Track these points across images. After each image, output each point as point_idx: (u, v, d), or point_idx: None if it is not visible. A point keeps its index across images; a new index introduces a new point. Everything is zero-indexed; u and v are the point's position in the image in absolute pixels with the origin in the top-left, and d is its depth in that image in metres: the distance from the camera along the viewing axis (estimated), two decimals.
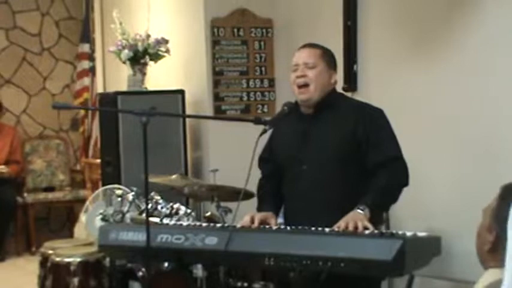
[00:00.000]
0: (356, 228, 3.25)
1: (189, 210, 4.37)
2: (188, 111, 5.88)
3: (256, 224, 3.51)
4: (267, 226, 3.52)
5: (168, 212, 4.35)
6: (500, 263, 2.19)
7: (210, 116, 5.73)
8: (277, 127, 3.67)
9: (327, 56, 3.66)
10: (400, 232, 3.23)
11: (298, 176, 3.61)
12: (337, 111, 3.61)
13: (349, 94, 4.91)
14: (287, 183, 3.70)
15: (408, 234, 3.16)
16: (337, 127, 3.57)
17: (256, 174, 3.79)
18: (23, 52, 8.55)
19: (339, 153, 3.54)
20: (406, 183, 3.56)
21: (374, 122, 3.57)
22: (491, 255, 2.21)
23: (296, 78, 3.59)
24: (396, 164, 3.53)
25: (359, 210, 3.35)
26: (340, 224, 3.29)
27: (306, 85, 3.56)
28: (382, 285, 3.74)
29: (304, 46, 3.70)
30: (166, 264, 4.16)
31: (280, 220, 3.74)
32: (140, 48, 5.88)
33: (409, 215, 4.50)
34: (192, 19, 6.05)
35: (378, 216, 3.66)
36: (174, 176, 4.72)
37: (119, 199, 4.68)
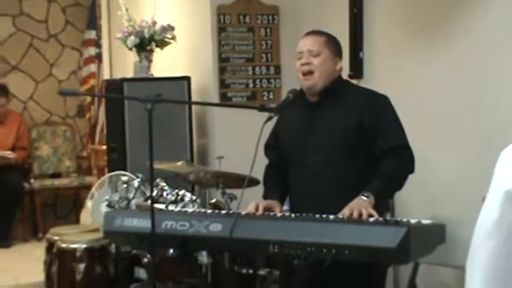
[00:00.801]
0: (361, 215, 3.25)
1: (194, 197, 4.37)
2: (194, 98, 5.88)
3: (260, 211, 3.51)
4: (272, 213, 3.53)
5: (173, 198, 4.35)
6: None
7: (215, 103, 5.73)
8: (282, 114, 3.66)
9: (332, 43, 3.65)
10: (404, 220, 3.23)
11: (304, 163, 3.60)
12: (343, 98, 3.60)
13: (355, 81, 4.89)
14: (293, 170, 3.70)
15: (413, 221, 3.16)
16: (343, 115, 3.56)
17: (261, 161, 3.79)
18: (30, 38, 8.56)
19: (344, 141, 3.53)
20: (411, 171, 3.56)
21: (380, 109, 3.57)
22: None
23: (301, 65, 3.58)
24: (402, 151, 3.53)
25: (363, 197, 3.36)
26: (345, 212, 3.30)
27: (310, 72, 3.55)
28: (387, 273, 3.75)
29: (309, 33, 3.69)
30: (171, 251, 4.17)
31: (286, 207, 3.74)
32: (146, 35, 5.87)
33: (414, 203, 4.49)
34: (198, 6, 6.04)
35: (384, 204, 3.66)
36: (179, 163, 4.73)
37: (125, 185, 4.69)
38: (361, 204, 3.32)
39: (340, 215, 3.29)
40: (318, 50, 3.57)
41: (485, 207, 1.80)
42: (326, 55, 3.58)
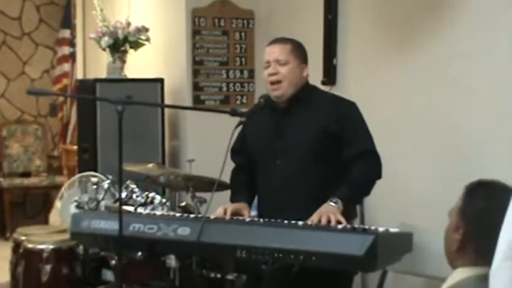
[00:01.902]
0: (329, 222, 3.25)
1: (164, 200, 4.35)
2: (167, 100, 5.86)
3: (228, 215, 3.50)
4: (240, 218, 3.52)
5: (143, 200, 4.33)
6: (468, 262, 2.21)
7: (186, 107, 5.72)
8: (250, 120, 3.66)
9: (298, 50, 3.64)
10: (372, 227, 3.24)
11: (272, 170, 3.60)
12: (310, 105, 3.60)
13: (328, 88, 4.90)
14: (261, 177, 3.70)
15: (380, 229, 3.17)
16: (311, 121, 3.56)
17: (232, 165, 3.79)
18: (3, 36, 8.50)
19: (312, 147, 3.53)
20: (379, 177, 3.58)
21: (347, 115, 3.58)
22: (459, 254, 2.23)
23: (268, 75, 3.57)
24: (370, 157, 3.55)
25: (332, 203, 3.36)
26: (314, 218, 3.30)
27: (278, 82, 3.55)
28: (355, 281, 3.75)
29: (275, 41, 3.67)
30: (139, 254, 4.15)
31: (254, 213, 3.73)
32: (120, 35, 5.85)
33: (383, 210, 4.51)
34: (173, 8, 6.02)
35: (351, 210, 3.67)
36: (150, 165, 4.71)
37: (94, 187, 4.66)
38: (330, 210, 3.32)
39: (309, 221, 3.29)
40: (285, 58, 3.56)
41: (504, 228, 1.79)
42: (293, 63, 3.57)
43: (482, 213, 2.20)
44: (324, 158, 3.54)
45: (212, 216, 3.50)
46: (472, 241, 2.19)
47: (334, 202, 3.37)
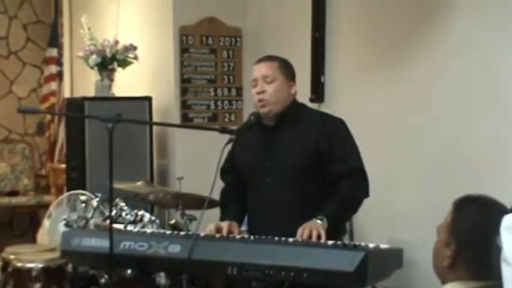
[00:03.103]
0: (310, 236, 3.27)
1: (153, 218, 4.36)
2: (155, 119, 5.87)
3: (225, 232, 3.50)
4: (231, 235, 3.52)
5: (132, 218, 4.33)
6: (460, 276, 2.22)
7: (176, 124, 5.72)
8: (239, 139, 3.68)
9: (285, 67, 3.65)
10: (362, 244, 3.25)
11: (262, 187, 3.62)
12: (299, 122, 3.62)
13: (316, 105, 4.93)
14: (251, 194, 3.71)
15: (371, 245, 3.18)
16: (299, 139, 3.57)
17: (221, 183, 3.80)
18: None
19: (301, 165, 3.55)
20: (366, 195, 3.59)
21: (336, 133, 3.59)
22: (451, 269, 2.24)
23: (256, 94, 3.59)
24: (357, 175, 3.56)
25: (318, 220, 3.38)
26: (298, 231, 3.31)
27: (265, 99, 3.56)
28: None
29: (262, 59, 3.69)
30: (129, 272, 4.14)
31: (244, 227, 3.74)
32: (108, 54, 5.85)
33: (373, 227, 4.53)
34: (161, 26, 6.04)
35: (341, 226, 3.68)
36: (139, 183, 4.71)
37: (83, 205, 4.66)
38: (313, 225, 3.34)
39: (297, 237, 3.31)
40: (272, 76, 3.57)
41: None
42: (280, 81, 3.59)
43: (473, 228, 2.21)
44: (313, 175, 3.55)
45: (202, 234, 3.50)
46: (464, 256, 2.20)
47: (319, 219, 3.39)
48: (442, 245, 2.27)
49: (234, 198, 3.77)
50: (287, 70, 3.65)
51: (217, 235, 3.48)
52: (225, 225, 3.55)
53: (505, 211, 2.23)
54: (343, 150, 3.58)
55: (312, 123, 3.62)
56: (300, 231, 3.32)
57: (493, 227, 2.15)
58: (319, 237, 3.28)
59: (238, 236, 3.50)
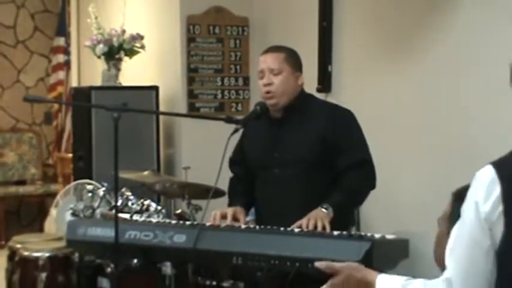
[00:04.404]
0: (315, 227, 3.26)
1: (159, 207, 4.35)
2: (162, 108, 5.87)
3: (229, 219, 3.49)
4: (236, 225, 3.52)
5: (138, 208, 4.33)
6: None
7: (183, 114, 5.72)
8: (247, 130, 3.67)
9: (292, 58, 3.63)
10: (368, 234, 3.25)
11: (270, 178, 3.61)
12: (306, 114, 3.61)
13: (323, 95, 4.92)
14: (259, 185, 3.70)
15: (376, 236, 3.18)
16: (307, 130, 3.56)
17: (227, 172, 3.79)
18: None
19: (309, 156, 3.54)
20: (373, 187, 3.58)
21: (344, 124, 3.58)
22: None
23: (263, 85, 3.58)
24: (365, 167, 3.55)
25: (323, 209, 3.37)
26: (302, 221, 3.31)
27: (272, 91, 3.55)
28: None
29: (268, 50, 3.66)
30: (135, 261, 4.14)
31: (250, 217, 3.73)
32: (115, 43, 5.85)
33: (379, 218, 4.52)
34: (168, 16, 6.03)
35: (349, 218, 3.68)
36: (145, 172, 4.71)
37: (90, 194, 4.66)
38: (318, 215, 3.33)
39: (297, 224, 3.30)
40: (279, 68, 3.55)
41: None
42: (287, 72, 3.57)
43: None
44: (321, 166, 3.54)
45: (208, 223, 3.50)
46: None
47: (325, 208, 3.38)
48: (445, 236, 2.25)
49: (242, 187, 3.77)
50: (294, 61, 3.63)
51: (223, 225, 3.48)
52: (230, 211, 3.56)
53: None
54: (351, 142, 3.57)
55: (320, 114, 3.61)
56: (304, 221, 3.31)
57: None
58: (323, 228, 3.28)
59: (243, 226, 3.51)
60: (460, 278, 1.93)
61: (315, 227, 3.28)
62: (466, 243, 1.92)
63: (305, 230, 3.30)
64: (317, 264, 2.35)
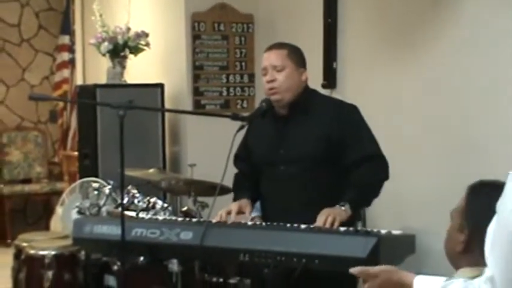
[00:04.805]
0: (332, 224, 3.26)
1: (165, 205, 4.36)
2: (167, 105, 5.87)
3: (233, 216, 3.49)
4: (243, 222, 3.51)
5: (144, 206, 4.33)
6: (473, 262, 2.21)
7: (188, 111, 5.72)
8: (252, 127, 3.66)
9: (295, 54, 3.62)
10: (375, 230, 3.24)
11: (276, 175, 3.60)
12: (312, 110, 3.60)
13: (328, 91, 4.91)
14: (265, 182, 3.69)
15: (383, 232, 3.17)
16: (312, 127, 3.55)
17: (233, 169, 3.79)
18: (2, 43, 8.50)
19: (315, 153, 3.53)
20: (386, 178, 3.57)
21: (350, 119, 3.57)
22: (464, 255, 2.23)
23: (266, 82, 3.57)
24: (376, 160, 3.55)
25: (341, 207, 3.37)
26: (320, 218, 3.30)
27: (276, 88, 3.54)
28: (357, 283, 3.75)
29: (271, 47, 3.66)
30: (141, 259, 4.14)
31: (255, 213, 3.73)
32: (120, 41, 5.85)
33: (385, 214, 4.51)
34: (173, 13, 6.03)
35: (356, 213, 3.67)
36: (151, 170, 4.71)
37: (96, 192, 4.67)
38: (336, 212, 3.33)
39: (317, 221, 3.30)
40: (282, 64, 3.54)
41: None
42: (290, 68, 3.56)
43: (487, 213, 2.19)
44: (327, 163, 3.53)
45: (214, 220, 3.50)
46: (477, 241, 2.19)
47: (342, 206, 3.38)
48: (456, 230, 2.26)
49: (247, 183, 3.77)
50: (297, 57, 3.62)
51: (230, 221, 3.48)
52: (234, 206, 3.55)
53: None
54: (359, 137, 3.56)
55: (325, 110, 3.60)
56: (322, 218, 3.31)
57: None
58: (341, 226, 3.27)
59: (250, 223, 3.50)
60: (502, 275, 1.89)
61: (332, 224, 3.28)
62: (507, 240, 1.87)
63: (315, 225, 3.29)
64: (351, 270, 2.34)
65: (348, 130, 3.53)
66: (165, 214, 4.24)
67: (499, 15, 3.86)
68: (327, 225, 3.27)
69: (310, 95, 3.67)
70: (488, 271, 1.94)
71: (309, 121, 3.57)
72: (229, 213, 3.52)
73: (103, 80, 6.17)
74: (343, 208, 3.37)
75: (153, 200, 4.37)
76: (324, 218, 3.30)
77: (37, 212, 8.55)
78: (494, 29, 3.89)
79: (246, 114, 3.90)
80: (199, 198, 4.46)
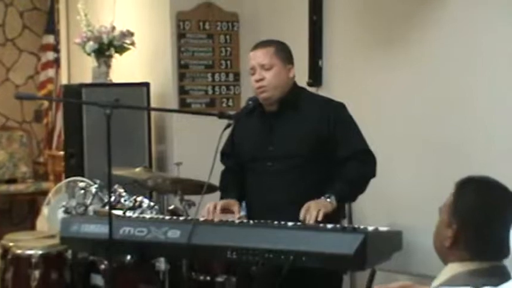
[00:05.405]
0: (317, 219, 3.28)
1: (152, 203, 4.36)
2: (153, 104, 5.86)
3: (218, 209, 3.50)
4: (230, 219, 3.52)
5: (131, 204, 4.33)
6: (461, 257, 2.22)
7: (174, 110, 5.72)
8: (239, 124, 3.67)
9: (282, 51, 3.63)
10: (361, 227, 3.26)
11: (263, 172, 3.61)
12: (300, 107, 3.61)
13: (314, 89, 4.92)
14: (251, 178, 3.70)
15: (370, 228, 3.18)
16: (301, 124, 3.57)
17: (220, 167, 3.80)
18: None
19: (303, 150, 3.55)
20: (373, 175, 3.60)
21: (338, 117, 3.59)
22: (452, 250, 2.25)
23: (255, 81, 3.58)
24: (365, 156, 3.57)
25: (326, 199, 3.38)
26: (303, 209, 3.33)
27: (265, 86, 3.55)
28: (344, 280, 3.77)
29: (258, 46, 3.66)
30: (128, 257, 4.14)
31: (243, 213, 3.74)
32: (105, 40, 5.83)
33: (372, 210, 4.53)
34: (158, 12, 6.02)
35: (341, 210, 3.69)
36: (138, 169, 4.70)
37: (82, 191, 4.66)
38: (321, 204, 3.34)
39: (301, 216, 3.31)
40: (269, 62, 3.55)
41: None
42: (278, 66, 3.57)
43: (475, 209, 2.22)
44: (315, 160, 3.55)
45: (201, 218, 3.50)
46: (465, 237, 2.21)
47: (327, 197, 3.39)
48: (444, 226, 2.27)
49: (234, 180, 3.77)
50: (284, 54, 3.63)
51: (217, 212, 3.48)
52: (220, 203, 3.56)
53: (506, 192, 2.24)
54: (347, 133, 3.58)
55: (314, 108, 3.62)
56: (302, 210, 3.33)
57: (494, 208, 2.16)
58: (317, 219, 3.28)
59: (237, 221, 3.51)
60: None
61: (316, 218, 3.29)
62: None
63: (307, 220, 3.30)
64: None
65: (337, 127, 3.55)
66: (151, 213, 4.25)
67: (487, 10, 3.87)
68: (311, 221, 3.29)
69: (299, 93, 3.69)
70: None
71: (298, 118, 3.59)
72: (215, 207, 3.53)
73: (88, 80, 6.15)
74: (328, 200, 3.39)
75: (139, 198, 4.37)
76: (306, 210, 3.31)
77: (22, 212, 8.51)
78: (483, 25, 3.90)
79: (232, 112, 3.91)
80: (186, 197, 4.46)
